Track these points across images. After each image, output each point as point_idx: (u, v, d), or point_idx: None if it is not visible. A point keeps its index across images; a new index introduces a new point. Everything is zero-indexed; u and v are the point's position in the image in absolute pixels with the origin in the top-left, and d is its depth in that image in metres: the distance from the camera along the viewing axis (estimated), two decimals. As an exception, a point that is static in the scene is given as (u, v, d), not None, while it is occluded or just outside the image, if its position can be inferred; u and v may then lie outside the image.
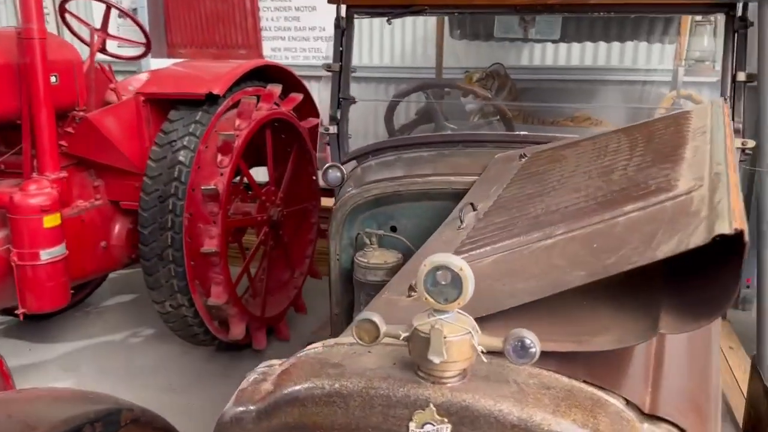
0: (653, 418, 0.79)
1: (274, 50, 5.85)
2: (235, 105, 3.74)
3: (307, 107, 4.45)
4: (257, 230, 4.08)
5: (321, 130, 2.31)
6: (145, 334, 4.30)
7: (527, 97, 3.99)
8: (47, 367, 3.80)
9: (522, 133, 2.11)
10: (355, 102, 2.34)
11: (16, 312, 3.06)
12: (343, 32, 2.27)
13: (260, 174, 4.30)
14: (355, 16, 2.29)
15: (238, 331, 3.68)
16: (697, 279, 0.88)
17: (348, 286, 2.03)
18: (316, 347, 0.91)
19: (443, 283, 0.77)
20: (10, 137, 3.48)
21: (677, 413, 0.80)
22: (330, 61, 2.37)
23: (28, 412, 1.32)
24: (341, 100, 2.30)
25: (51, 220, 2.96)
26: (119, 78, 4.02)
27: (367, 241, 1.89)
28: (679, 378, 0.92)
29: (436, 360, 0.74)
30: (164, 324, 3.74)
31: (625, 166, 1.23)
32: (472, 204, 1.41)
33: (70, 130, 3.38)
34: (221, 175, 3.46)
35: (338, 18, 2.29)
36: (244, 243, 4.33)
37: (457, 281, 0.76)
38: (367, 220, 1.98)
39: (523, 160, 1.70)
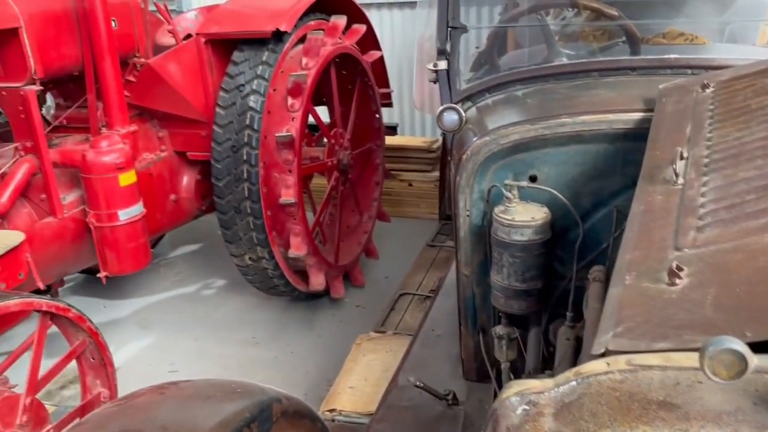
0: None
1: (321, -22, 5.44)
2: (300, 41, 3.46)
3: (368, 39, 4.14)
4: (327, 175, 3.88)
5: (429, 66, 2.03)
6: (217, 285, 4.22)
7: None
8: (125, 325, 3.74)
9: (672, 56, 1.82)
10: (467, 31, 2.05)
11: (98, 275, 2.94)
12: (451, -50, 1.96)
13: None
14: (465, -70, 1.97)
15: (318, 281, 3.54)
16: None
17: (478, 244, 1.82)
18: (606, 370, 0.70)
19: None
20: (68, 90, 3.28)
21: None
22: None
23: (183, 419, 1.17)
24: (451, 30, 2.01)
25: (126, 178, 2.80)
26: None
27: (509, 195, 1.66)
28: None
29: None
30: (242, 276, 3.62)
31: None
32: (681, 152, 1.16)
33: (131, 78, 3.17)
34: (293, 119, 3.23)
35: (445, -66, 1.98)
36: (311, 188, 4.17)
37: None
38: (501, 170, 1.74)
39: (709, 91, 1.43)
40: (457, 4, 2.01)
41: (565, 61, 2.23)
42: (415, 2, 5.29)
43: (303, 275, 3.64)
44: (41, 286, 2.61)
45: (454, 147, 1.98)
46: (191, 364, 3.34)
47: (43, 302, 2.11)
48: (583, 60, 2.15)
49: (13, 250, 2.49)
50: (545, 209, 1.67)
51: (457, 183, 1.77)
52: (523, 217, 1.64)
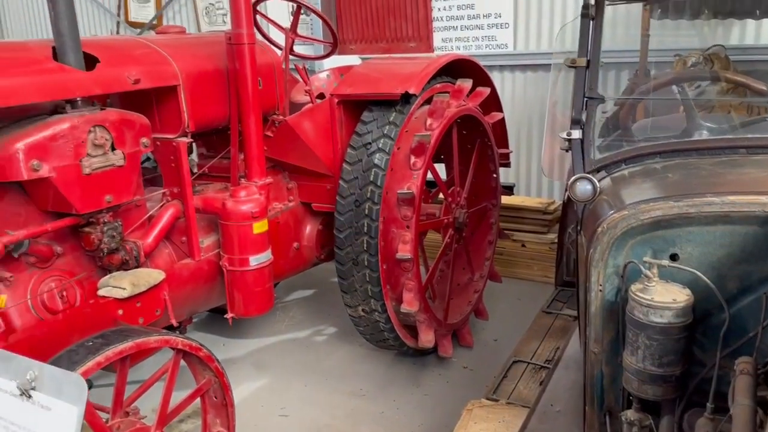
0: None
1: (445, 41, 5.63)
2: (425, 102, 3.57)
3: (490, 100, 4.19)
4: (442, 232, 3.90)
5: (562, 135, 2.02)
6: (328, 333, 4.31)
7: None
8: (241, 364, 3.90)
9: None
10: (604, 101, 2.03)
11: (225, 316, 3.11)
12: (592, 21, 1.97)
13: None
14: (607, 2, 1.98)
15: (428, 338, 3.53)
16: None
17: (610, 322, 1.75)
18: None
19: None
20: (211, 142, 3.58)
21: None
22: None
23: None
24: (587, 100, 2.00)
25: (259, 227, 2.97)
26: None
27: (648, 273, 1.59)
28: None
29: None
30: (353, 326, 3.68)
31: None
32: None
33: (269, 134, 3.39)
34: (414, 177, 3.30)
35: (587, 5, 2.00)
36: (423, 243, 4.20)
37: None
38: (639, 246, 1.68)
39: None
40: (596, 75, 2.01)
41: (706, 134, 2.15)
42: (537, 65, 5.32)
43: (412, 330, 3.65)
44: (174, 323, 2.80)
45: (586, 218, 1.94)
46: (301, 409, 3.41)
47: (179, 340, 2.26)
48: (730, 136, 2.05)
49: (154, 288, 2.70)
50: (687, 291, 1.59)
51: (590, 256, 1.73)
52: (664, 298, 1.56)
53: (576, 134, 2.02)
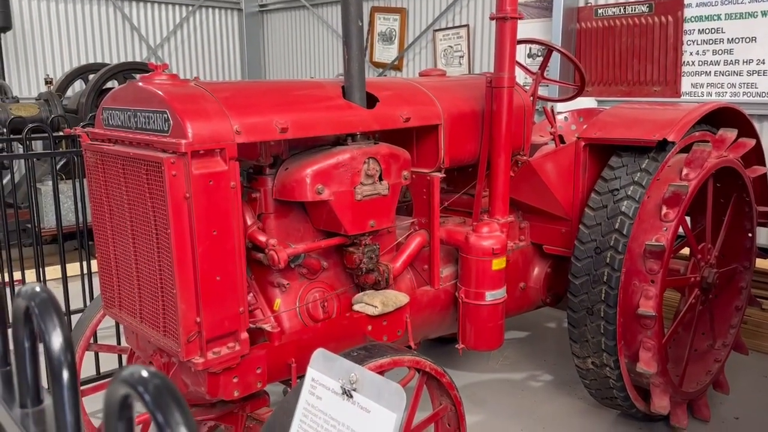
0: None
1: (694, 86, 5.26)
2: (682, 151, 3.36)
3: (753, 153, 3.81)
4: (687, 292, 3.61)
5: None
6: (544, 379, 4.20)
7: None
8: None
9: None
10: None
11: (456, 346, 3.20)
12: None
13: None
14: None
15: (663, 403, 3.26)
16: None
17: None
18: None
19: None
20: (452, 178, 3.73)
21: None
22: None
23: None
24: None
25: (498, 263, 3.02)
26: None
27: None
28: None
29: None
30: (580, 379, 3.54)
31: None
32: None
33: (511, 173, 3.45)
34: (665, 230, 3.11)
35: None
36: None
37: None
38: None
39: None
40: None
41: None
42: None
43: (643, 392, 3.41)
44: (413, 345, 2.94)
45: None
46: (517, 453, 3.36)
47: (427, 363, 2.37)
48: None
49: (399, 310, 2.88)
50: None
51: None
52: None
53: None
